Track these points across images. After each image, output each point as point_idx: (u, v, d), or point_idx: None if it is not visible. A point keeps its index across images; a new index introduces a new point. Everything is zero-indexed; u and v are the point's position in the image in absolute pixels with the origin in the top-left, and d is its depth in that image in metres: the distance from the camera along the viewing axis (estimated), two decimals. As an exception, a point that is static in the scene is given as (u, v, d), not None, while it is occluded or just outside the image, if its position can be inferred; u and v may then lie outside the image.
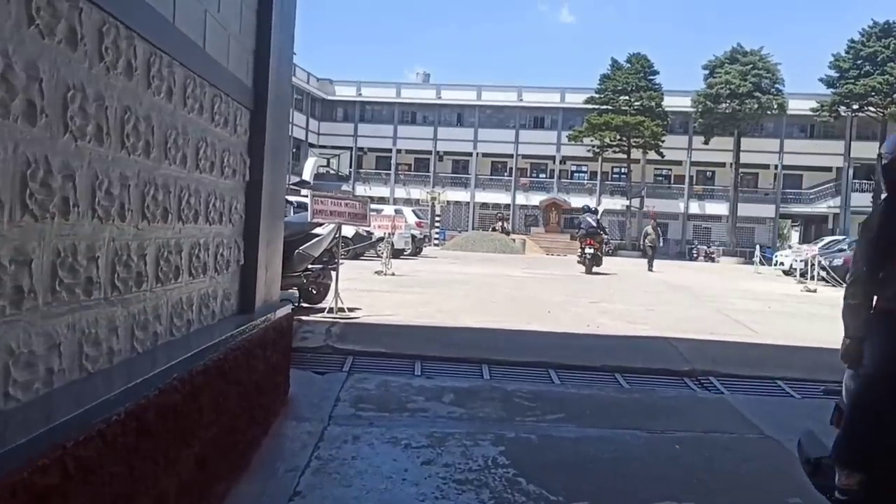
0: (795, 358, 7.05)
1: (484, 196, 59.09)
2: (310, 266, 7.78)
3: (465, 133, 59.50)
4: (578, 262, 21.56)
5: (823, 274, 20.46)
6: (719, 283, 20.82)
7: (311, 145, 54.17)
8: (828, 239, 29.89)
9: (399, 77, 61.72)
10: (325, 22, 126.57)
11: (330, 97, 61.18)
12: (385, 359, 6.18)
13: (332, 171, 40.51)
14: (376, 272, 15.33)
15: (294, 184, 37.80)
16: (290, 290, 7.95)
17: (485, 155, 59.83)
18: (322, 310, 7.61)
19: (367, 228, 18.50)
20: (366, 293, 10.73)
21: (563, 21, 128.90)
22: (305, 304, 8.22)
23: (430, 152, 59.68)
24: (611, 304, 11.00)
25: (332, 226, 7.60)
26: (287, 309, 5.08)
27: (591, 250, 21.04)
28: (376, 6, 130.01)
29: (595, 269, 20.97)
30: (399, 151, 60.27)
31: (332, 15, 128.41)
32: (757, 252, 32.50)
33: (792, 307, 12.63)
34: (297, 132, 57.34)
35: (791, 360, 6.88)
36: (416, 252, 27.48)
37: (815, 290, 18.05)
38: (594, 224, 21.42)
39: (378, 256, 21.41)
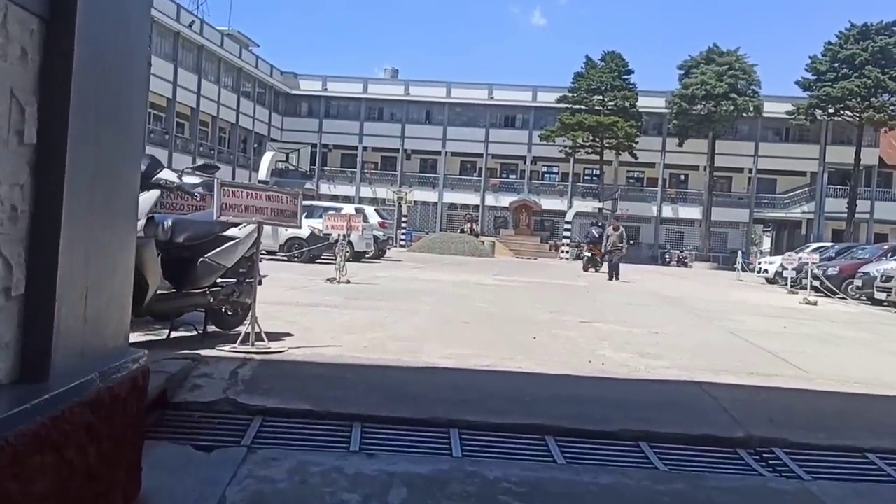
0: (876, 412, 5.21)
1: (452, 196, 57.34)
2: (220, 280, 5.77)
3: (433, 131, 57.71)
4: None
5: (816, 283, 18.85)
6: (706, 293, 19.14)
7: (273, 140, 51.81)
8: (814, 245, 28.47)
9: (367, 73, 59.61)
10: (290, 16, 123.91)
11: (294, 91, 58.99)
12: (309, 422, 4.20)
13: (291, 167, 38.30)
14: (328, 279, 13.30)
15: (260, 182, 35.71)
16: (190, 314, 5.95)
17: (454, 154, 58.09)
18: (237, 337, 5.61)
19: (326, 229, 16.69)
20: (307, 310, 8.72)
21: (536, 23, 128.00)
22: (216, 329, 6.20)
23: (397, 150, 57.81)
24: (606, 325, 9.11)
25: (250, 227, 5.60)
26: (139, 358, 3.10)
27: (589, 254, 26.99)
28: (344, 1, 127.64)
29: (591, 269, 25.88)
30: (365, 149, 58.29)
31: (299, 8, 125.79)
32: (739, 258, 31.00)
33: (809, 327, 10.88)
34: (259, 127, 55.02)
35: (873, 417, 5.03)
36: (379, 255, 25.47)
37: (815, 303, 16.41)
38: (597, 235, 26.24)
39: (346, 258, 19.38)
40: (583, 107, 51.34)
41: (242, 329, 5.76)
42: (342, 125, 58.22)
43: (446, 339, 7.02)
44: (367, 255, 23.32)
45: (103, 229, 2.90)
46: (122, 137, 3.00)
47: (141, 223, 5.01)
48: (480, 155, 57.55)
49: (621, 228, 23.05)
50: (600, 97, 51.40)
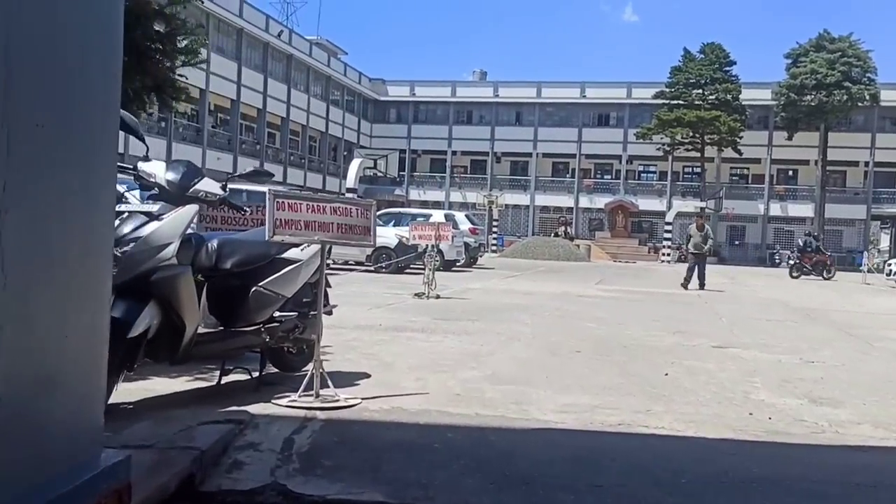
0: None
1: (545, 199, 55.70)
2: (278, 314, 4.65)
3: (524, 132, 56.26)
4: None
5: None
6: (838, 301, 17.06)
7: (363, 147, 51.49)
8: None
9: (455, 76, 58.75)
10: (379, 23, 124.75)
11: (382, 98, 58.71)
12: (381, 526, 3.01)
13: (380, 174, 37.60)
14: (416, 294, 12.16)
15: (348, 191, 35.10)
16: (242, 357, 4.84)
17: (545, 155, 56.47)
18: (301, 381, 4.47)
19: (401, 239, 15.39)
20: (389, 336, 7.57)
21: (627, 20, 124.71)
22: (277, 370, 5.10)
23: (486, 153, 56.61)
24: (745, 351, 7.59)
25: (314, 247, 4.47)
26: (119, 468, 1.97)
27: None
28: (432, 6, 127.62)
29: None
30: (454, 153, 57.36)
31: (387, 16, 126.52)
32: (865, 259, 28.28)
33: None
34: (349, 134, 54.88)
35: None
36: (471, 262, 24.28)
37: (973, 313, 14.21)
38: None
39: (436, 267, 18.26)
40: (681, 102, 48.80)
41: (309, 369, 4.63)
42: (431, 130, 57.46)
43: (557, 377, 5.70)
44: (458, 264, 22.18)
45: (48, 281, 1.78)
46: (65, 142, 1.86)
47: (173, 247, 3.94)
48: (573, 155, 55.66)
49: (706, 227, 19.41)
50: (700, 91, 48.77)
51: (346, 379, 5.14)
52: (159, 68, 5.60)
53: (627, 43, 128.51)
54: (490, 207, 47.13)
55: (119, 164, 4.62)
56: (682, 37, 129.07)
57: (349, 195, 32.59)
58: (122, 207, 4.05)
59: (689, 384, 5.68)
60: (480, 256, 26.52)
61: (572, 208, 54.51)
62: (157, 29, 5.42)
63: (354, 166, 31.80)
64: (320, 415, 4.16)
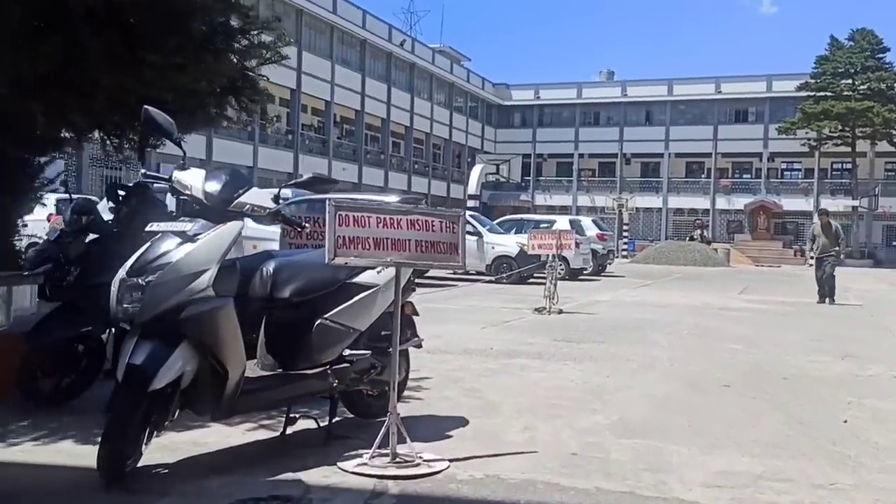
0: None
1: (678, 201, 53.07)
2: (349, 351, 3.79)
3: (654, 132, 53.90)
4: None
5: None
6: None
7: (486, 153, 50.86)
8: None
9: (581, 78, 57.04)
10: (502, 29, 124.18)
11: (506, 102, 57.91)
12: None
13: (502, 179, 36.71)
14: (536, 309, 11.13)
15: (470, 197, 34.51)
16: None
17: (678, 155, 53.82)
18: (379, 430, 3.60)
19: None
20: (500, 364, 6.60)
21: (766, 12, 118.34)
22: (356, 416, 4.26)
23: (615, 155, 54.62)
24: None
25: (389, 270, 3.59)
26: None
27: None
28: (556, 9, 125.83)
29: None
30: (581, 156, 55.73)
31: (510, 21, 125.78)
32: None
33: None
34: (472, 141, 54.37)
35: None
36: (599, 270, 22.89)
37: None
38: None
39: (561, 276, 17.13)
40: (828, 93, 45.16)
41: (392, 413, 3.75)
42: (556, 133, 56.09)
43: (703, 426, 4.56)
44: (584, 272, 20.90)
45: None
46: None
47: (208, 275, 3.16)
48: (708, 154, 52.73)
49: (835, 225, 15.38)
50: (849, 81, 44.97)
51: (436, 427, 4.22)
52: (230, 66, 4.88)
53: (766, 35, 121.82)
54: (620, 211, 45.19)
55: (152, 173, 3.94)
56: (827, 25, 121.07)
57: (471, 202, 31.94)
58: (154, 227, 3.31)
59: (878, 437, 4.38)
60: (609, 263, 25.04)
61: (708, 210, 51.62)
62: (221, 21, 4.69)
63: (476, 172, 31.13)
64: (393, 487, 3.26)
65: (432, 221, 3.62)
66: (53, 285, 4.31)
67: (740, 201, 50.53)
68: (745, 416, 4.89)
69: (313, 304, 3.71)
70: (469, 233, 18.30)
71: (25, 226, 5.70)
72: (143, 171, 3.70)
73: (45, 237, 6.16)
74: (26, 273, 2.87)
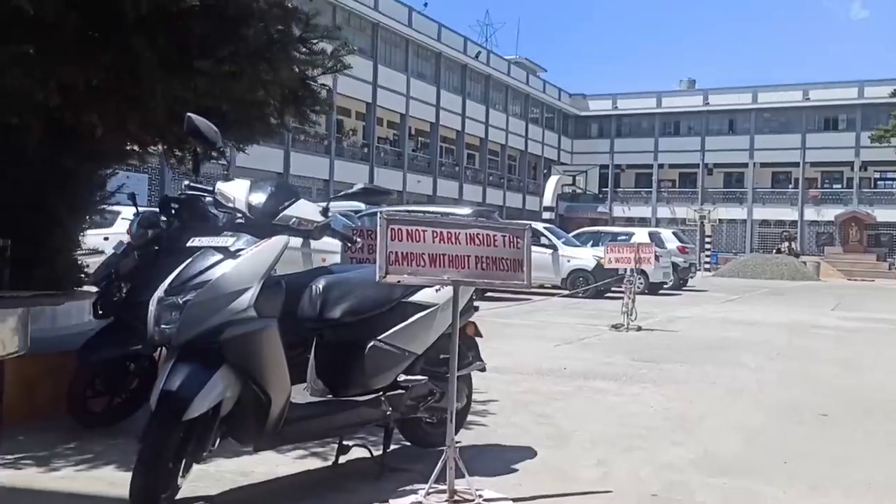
0: None
1: (763, 212, 51.23)
2: (404, 377, 3.50)
3: (738, 142, 52.23)
4: None
5: None
6: None
7: (562, 164, 50.20)
8: None
9: (660, 87, 55.75)
10: (579, 39, 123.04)
11: (583, 113, 57.13)
12: None
13: (578, 190, 36.06)
14: (613, 326, 10.63)
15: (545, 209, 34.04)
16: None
17: (763, 165, 52.02)
18: (438, 459, 3.29)
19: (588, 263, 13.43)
20: (573, 387, 6.19)
21: (855, 17, 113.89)
22: (413, 444, 3.96)
23: (697, 165, 53.16)
24: None
25: (448, 288, 3.29)
26: None
27: None
28: (634, 18, 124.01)
29: None
30: (661, 166, 54.46)
31: (587, 32, 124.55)
32: None
33: None
34: (548, 152, 53.79)
35: None
36: (680, 284, 22.08)
37: None
38: None
39: (640, 290, 16.51)
40: (926, 98, 42.70)
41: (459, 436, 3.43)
42: (635, 143, 54.98)
43: (801, 463, 4.07)
44: (665, 287, 20.16)
45: None
46: None
47: (249, 294, 2.92)
48: (796, 164, 50.76)
49: None
50: (949, 84, 42.43)
51: (500, 459, 3.88)
52: (288, 75, 4.69)
53: (856, 40, 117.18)
54: (702, 223, 43.82)
55: (197, 185, 3.75)
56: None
57: (546, 214, 31.46)
58: (195, 242, 3.09)
59: None
60: (691, 277, 24.16)
61: (796, 221, 49.62)
62: (278, 28, 4.50)
63: (551, 184, 30.68)
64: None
65: (495, 236, 3.30)
66: (105, 302, 4.18)
67: (830, 212, 48.37)
68: (848, 452, 4.37)
69: (366, 324, 3.44)
70: (543, 245, 17.90)
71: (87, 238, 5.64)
72: (187, 182, 3.51)
73: (113, 251, 6.11)
74: (50, 293, 2.68)
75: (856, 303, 18.76)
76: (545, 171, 51.19)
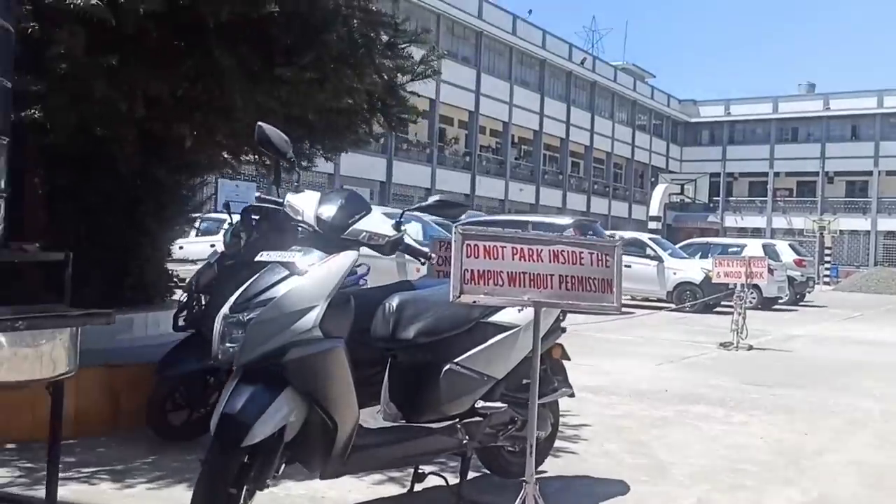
0: None
1: (889, 223, 48.22)
2: (481, 403, 3.25)
3: (861, 148, 49.35)
4: None
5: None
6: None
7: (671, 172, 48.75)
8: None
9: (777, 91, 53.35)
10: (689, 44, 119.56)
11: (693, 119, 55.36)
12: None
13: (687, 199, 34.81)
14: (722, 344, 10.02)
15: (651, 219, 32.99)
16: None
17: (888, 173, 48.95)
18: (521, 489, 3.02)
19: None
20: (675, 411, 5.77)
21: None
22: (492, 473, 3.70)
23: (816, 174, 50.49)
24: None
25: (529, 309, 3.03)
26: None
27: None
28: (748, 20, 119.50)
29: None
30: (777, 174, 52.04)
31: (698, 36, 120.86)
32: None
33: None
34: (656, 160, 52.36)
35: None
36: (797, 299, 20.84)
37: None
38: None
39: (753, 305, 15.70)
40: None
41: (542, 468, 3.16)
42: (749, 150, 52.72)
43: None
44: (780, 302, 19.06)
45: None
46: None
47: (315, 313, 2.75)
48: (928, 171, 47.45)
49: None
50: None
51: (588, 494, 3.58)
52: (373, 82, 4.55)
53: None
54: (821, 234, 41.51)
55: (266, 196, 3.62)
56: None
57: (652, 224, 30.49)
58: (264, 256, 2.96)
59: None
60: (809, 292, 22.76)
61: (927, 233, 46.32)
62: (364, 34, 4.36)
63: (658, 192, 29.73)
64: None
65: (581, 253, 3.00)
66: (185, 314, 4.14)
67: (966, 223, 44.95)
68: None
69: (441, 346, 3.22)
70: (648, 257, 17.26)
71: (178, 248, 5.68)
72: (257, 194, 3.39)
73: (206, 260, 6.15)
74: (100, 311, 2.61)
75: None
76: (652, 179, 49.81)
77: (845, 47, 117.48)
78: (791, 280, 19.98)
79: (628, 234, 19.15)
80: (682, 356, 9.08)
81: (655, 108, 52.67)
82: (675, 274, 16.96)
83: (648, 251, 17.36)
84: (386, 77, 5.14)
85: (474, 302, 2.91)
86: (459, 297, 2.86)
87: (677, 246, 20.11)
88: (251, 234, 4.12)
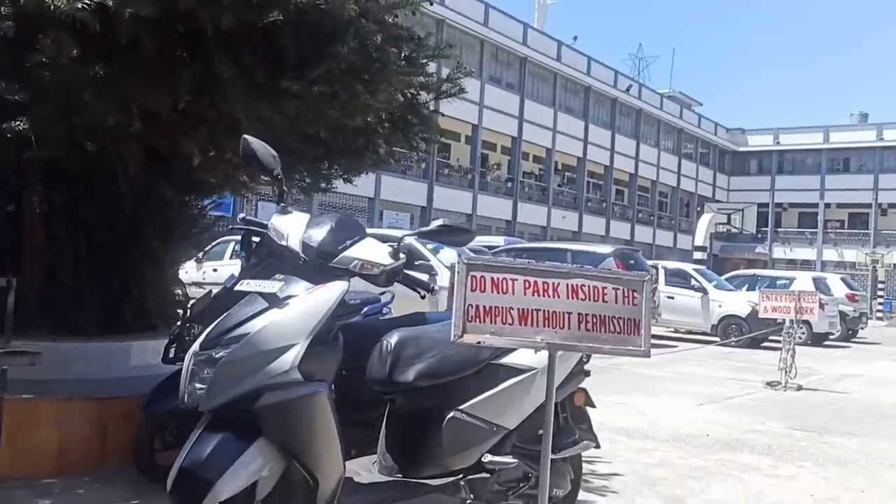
0: None
1: (946, 257, 46.19)
2: (489, 456, 2.85)
3: (916, 179, 47.64)
4: None
5: None
6: None
7: (717, 202, 47.75)
8: None
9: (828, 121, 51.86)
10: (738, 72, 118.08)
11: (741, 149, 54.28)
12: None
13: (734, 229, 33.91)
14: (768, 383, 9.42)
15: (696, 248, 32.13)
16: None
17: (944, 205, 47.14)
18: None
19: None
20: (714, 458, 5.28)
21: None
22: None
23: (868, 205, 49.00)
24: None
25: (540, 353, 2.64)
26: None
27: None
28: (798, 50, 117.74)
29: None
30: (828, 206, 50.61)
31: (746, 64, 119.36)
32: None
33: None
34: (702, 189, 51.38)
35: None
36: (849, 335, 19.93)
37: None
38: None
39: (802, 341, 14.98)
40: None
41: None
42: (798, 181, 51.36)
43: None
44: (831, 338, 18.21)
45: None
46: None
47: (294, 353, 2.40)
48: None
49: None
50: None
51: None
52: (389, 98, 4.23)
53: None
54: (874, 267, 40.10)
55: (251, 218, 3.28)
56: None
57: (697, 253, 29.68)
58: (244, 285, 2.63)
59: None
60: (862, 328, 21.80)
61: None
62: (380, 47, 4.05)
63: (704, 222, 28.93)
64: None
65: (604, 289, 2.60)
66: (177, 345, 3.82)
67: None
68: None
69: (445, 390, 2.84)
70: (693, 288, 16.64)
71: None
72: (241, 215, 3.06)
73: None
74: (25, 350, 2.30)
75: None
76: (698, 208, 48.76)
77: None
78: (843, 315, 19.13)
79: (672, 265, 18.55)
80: (725, 395, 8.53)
81: (702, 137, 51.76)
82: (720, 307, 16.31)
83: (693, 282, 16.76)
84: (407, 94, 4.83)
85: (479, 343, 2.54)
86: (462, 336, 2.50)
87: (723, 277, 19.42)
88: (250, 258, 3.81)
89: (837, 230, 50.71)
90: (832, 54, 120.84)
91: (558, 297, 2.57)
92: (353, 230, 2.67)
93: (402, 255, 2.68)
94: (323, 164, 5.28)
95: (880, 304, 37.98)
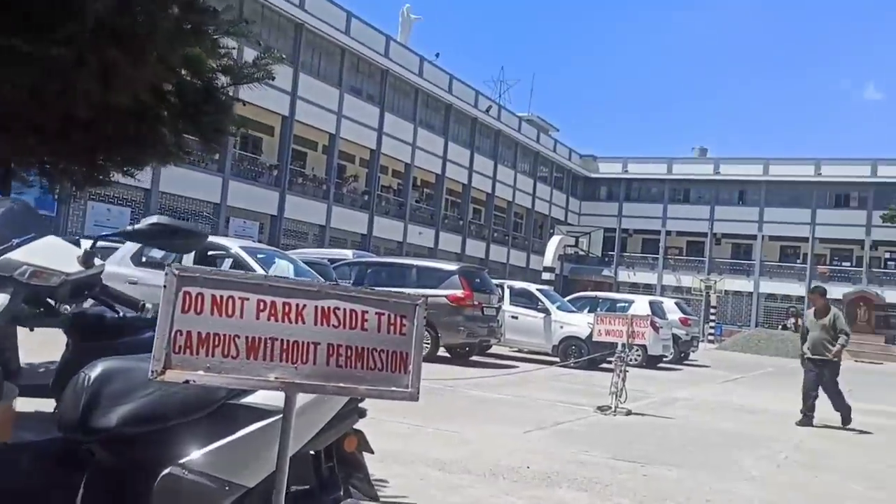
0: None
1: (771, 286, 50.10)
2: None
3: (747, 213, 51.37)
4: None
5: None
6: None
7: (569, 225, 49.18)
8: None
9: (672, 153, 54.80)
10: (593, 99, 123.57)
11: (593, 175, 56.40)
12: None
13: (581, 252, 34.88)
14: (599, 408, 9.30)
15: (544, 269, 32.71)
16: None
17: (771, 238, 51.03)
18: None
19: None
20: (529, 495, 4.89)
21: (869, 98, 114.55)
22: None
23: (705, 234, 52.16)
24: None
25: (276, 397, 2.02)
26: None
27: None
28: (650, 82, 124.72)
29: None
30: (669, 233, 53.45)
31: (601, 92, 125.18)
32: None
33: None
34: (556, 212, 52.85)
35: None
36: (681, 358, 20.69)
37: None
38: None
39: (637, 363, 15.23)
40: (944, 179, 41.85)
41: None
42: (644, 208, 53.95)
43: None
44: (664, 360, 18.78)
45: None
46: None
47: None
48: (805, 239, 49.71)
49: (834, 312, 10.53)
50: (968, 166, 41.60)
51: None
52: (163, 72, 3.54)
53: (869, 120, 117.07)
54: (707, 293, 42.58)
55: None
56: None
57: (546, 274, 30.18)
58: None
59: None
60: (693, 351, 22.77)
61: (803, 297, 48.17)
62: (150, 11, 3.36)
63: (553, 244, 29.46)
64: None
65: (364, 312, 2.06)
66: None
67: (838, 290, 46.74)
68: None
69: (162, 439, 2.19)
70: (537, 309, 16.63)
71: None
72: None
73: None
74: None
75: (868, 390, 17.24)
76: (551, 230, 50.10)
77: (737, 115, 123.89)
78: (676, 338, 19.82)
79: (518, 285, 18.55)
80: (555, 421, 8.28)
81: (557, 161, 53.30)
82: (561, 328, 16.38)
83: (537, 303, 16.77)
84: (204, 77, 4.15)
85: (187, 381, 1.92)
86: (163, 373, 1.87)
87: (566, 299, 19.64)
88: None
89: (677, 256, 53.54)
90: (678, 91, 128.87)
91: (303, 322, 2.01)
92: (23, 225, 1.99)
93: (97, 262, 2.02)
94: (97, 154, 4.49)
95: (712, 327, 40.30)
